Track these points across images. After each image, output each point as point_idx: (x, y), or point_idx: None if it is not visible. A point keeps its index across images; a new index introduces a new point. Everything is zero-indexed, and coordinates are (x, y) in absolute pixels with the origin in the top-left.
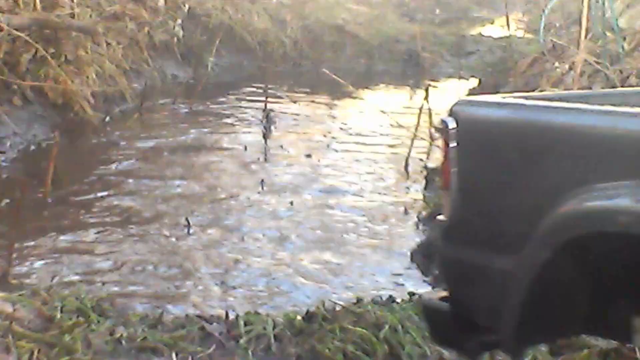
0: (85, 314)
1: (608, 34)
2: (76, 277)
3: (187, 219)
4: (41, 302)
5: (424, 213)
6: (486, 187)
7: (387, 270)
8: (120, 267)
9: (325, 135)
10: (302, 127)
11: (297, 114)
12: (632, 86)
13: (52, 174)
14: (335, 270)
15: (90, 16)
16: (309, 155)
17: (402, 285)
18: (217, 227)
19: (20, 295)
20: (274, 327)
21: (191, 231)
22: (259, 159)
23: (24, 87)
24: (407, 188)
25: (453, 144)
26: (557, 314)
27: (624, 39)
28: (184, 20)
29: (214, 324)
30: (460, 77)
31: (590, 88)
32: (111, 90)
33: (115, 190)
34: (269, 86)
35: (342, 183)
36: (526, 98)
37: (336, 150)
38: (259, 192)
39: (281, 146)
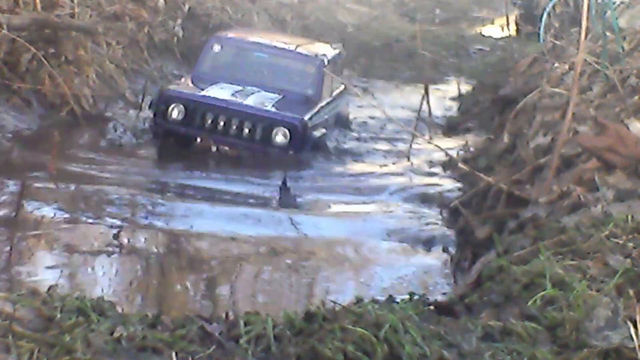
0: (85, 314)
1: (608, 34)
2: (76, 276)
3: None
4: (41, 302)
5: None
6: None
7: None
8: (121, 264)
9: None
10: None
11: None
12: (632, 86)
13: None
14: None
15: (90, 16)
16: None
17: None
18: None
19: (20, 295)
20: (274, 327)
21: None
22: None
23: (23, 87)
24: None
25: None
26: None
27: (624, 39)
28: (184, 20)
29: (214, 323)
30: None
31: (591, 88)
32: (111, 90)
33: (115, 188)
34: None
35: (342, 184)
36: None
37: (338, 145)
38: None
39: None
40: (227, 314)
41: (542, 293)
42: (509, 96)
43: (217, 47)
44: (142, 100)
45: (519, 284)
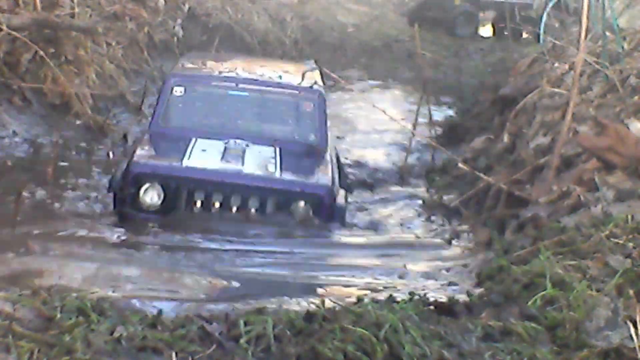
0: (85, 314)
1: (608, 34)
2: (76, 276)
3: None
4: (41, 302)
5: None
6: None
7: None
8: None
9: None
10: None
11: None
12: (632, 86)
13: (52, 174)
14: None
15: (90, 16)
16: None
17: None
18: None
19: (20, 295)
20: (274, 327)
21: None
22: None
23: (23, 87)
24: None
25: None
26: None
27: (624, 39)
28: (184, 20)
29: (214, 323)
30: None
31: (591, 88)
32: (111, 90)
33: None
34: None
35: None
36: None
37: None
38: None
39: None
40: (227, 314)
41: (542, 293)
42: (509, 96)
43: (179, 90)
44: (142, 103)
45: (519, 284)
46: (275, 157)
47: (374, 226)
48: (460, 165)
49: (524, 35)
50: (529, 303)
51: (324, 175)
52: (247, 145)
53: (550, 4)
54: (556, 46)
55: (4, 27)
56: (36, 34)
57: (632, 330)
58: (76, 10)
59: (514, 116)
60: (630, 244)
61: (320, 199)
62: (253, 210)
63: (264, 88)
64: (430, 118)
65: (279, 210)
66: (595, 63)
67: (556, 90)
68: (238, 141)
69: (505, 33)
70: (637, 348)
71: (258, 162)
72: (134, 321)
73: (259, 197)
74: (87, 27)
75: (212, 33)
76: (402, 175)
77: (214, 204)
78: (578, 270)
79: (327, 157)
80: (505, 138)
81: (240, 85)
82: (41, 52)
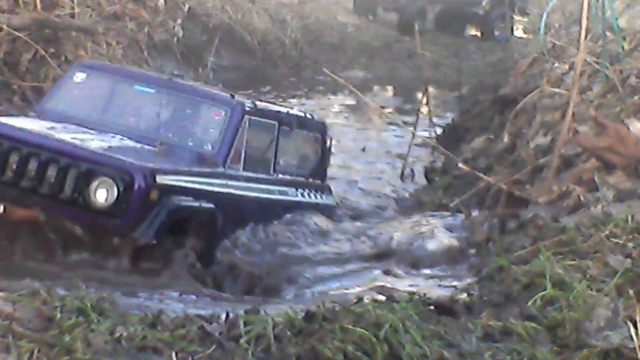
0: (85, 314)
1: (608, 34)
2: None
3: None
4: (41, 302)
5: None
6: None
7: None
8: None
9: None
10: None
11: None
12: (632, 86)
13: None
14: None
15: (90, 16)
16: None
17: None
18: None
19: (20, 295)
20: (274, 327)
21: None
22: None
23: (23, 87)
24: (406, 187)
25: None
26: None
27: (624, 39)
28: (184, 20)
29: (214, 323)
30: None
31: (591, 88)
32: None
33: None
34: (268, 87)
35: (343, 182)
36: None
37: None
38: None
39: None
40: (227, 314)
41: (542, 293)
42: (509, 96)
43: (79, 76)
44: None
45: (519, 284)
46: (129, 147)
47: None
48: (460, 165)
49: (467, 31)
50: (529, 303)
51: (163, 164)
52: (121, 139)
53: (551, 4)
54: (556, 46)
55: (4, 27)
56: (36, 34)
57: (632, 330)
58: (76, 10)
59: (514, 116)
60: (630, 244)
61: (129, 180)
62: (50, 181)
63: (174, 88)
64: (430, 118)
65: (80, 188)
66: (595, 63)
67: (556, 90)
68: (114, 136)
69: (449, 27)
70: (637, 348)
71: (97, 139)
72: (134, 321)
73: (57, 166)
74: (87, 27)
75: (212, 33)
76: (401, 175)
77: (9, 166)
78: (578, 270)
79: (216, 169)
80: (505, 138)
81: (150, 82)
82: (41, 52)
